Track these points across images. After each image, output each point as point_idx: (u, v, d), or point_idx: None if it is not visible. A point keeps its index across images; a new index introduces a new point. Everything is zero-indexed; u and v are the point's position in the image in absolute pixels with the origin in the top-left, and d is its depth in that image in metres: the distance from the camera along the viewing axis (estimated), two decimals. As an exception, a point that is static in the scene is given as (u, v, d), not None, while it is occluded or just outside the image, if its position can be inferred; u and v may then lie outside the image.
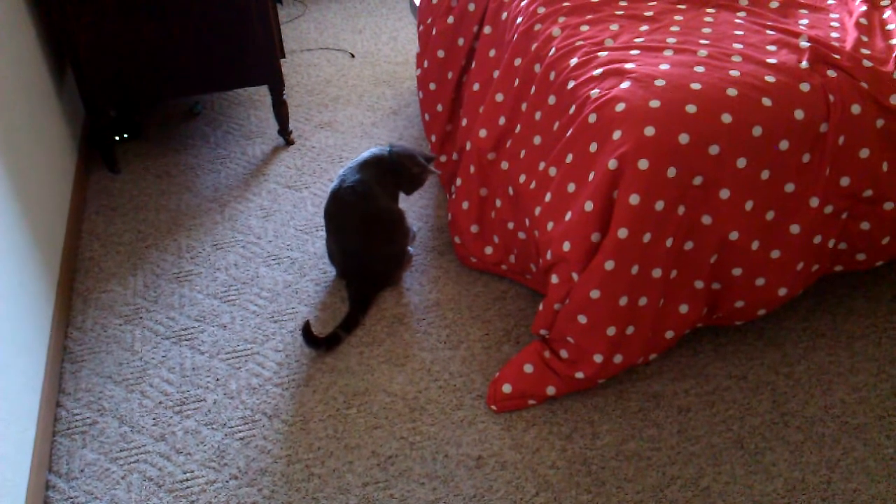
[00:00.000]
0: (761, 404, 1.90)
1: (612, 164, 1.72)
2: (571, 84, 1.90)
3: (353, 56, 3.39)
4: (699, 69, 1.83)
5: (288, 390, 1.97)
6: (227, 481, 1.77)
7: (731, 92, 1.77)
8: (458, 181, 2.28)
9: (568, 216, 1.82)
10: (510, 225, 2.13)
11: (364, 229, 2.11)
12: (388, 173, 2.22)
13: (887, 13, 2.05)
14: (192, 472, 1.79)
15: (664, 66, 1.84)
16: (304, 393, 1.96)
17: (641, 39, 1.97)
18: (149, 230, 2.47)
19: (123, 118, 2.87)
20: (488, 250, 2.23)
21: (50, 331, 2.01)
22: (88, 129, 2.82)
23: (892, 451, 1.80)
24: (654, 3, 2.13)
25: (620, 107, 1.76)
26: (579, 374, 1.87)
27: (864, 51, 1.90)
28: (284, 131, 2.83)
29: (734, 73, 1.81)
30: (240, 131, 2.92)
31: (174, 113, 3.02)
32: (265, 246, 2.40)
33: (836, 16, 2.06)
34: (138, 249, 2.40)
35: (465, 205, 2.26)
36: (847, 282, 2.21)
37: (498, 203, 2.18)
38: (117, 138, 2.83)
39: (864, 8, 2.06)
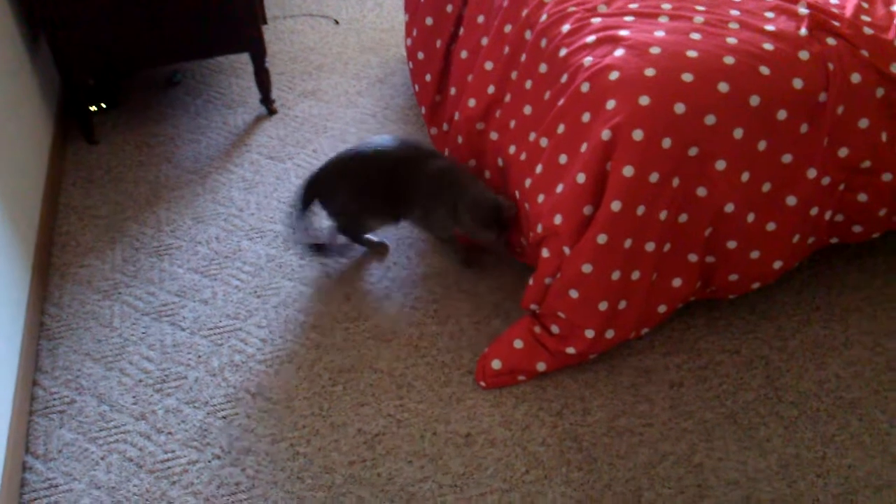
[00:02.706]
0: (755, 379, 1.88)
1: (605, 134, 1.67)
2: (563, 52, 1.84)
3: (337, 22, 3.30)
4: (695, 36, 1.77)
5: (272, 367, 1.92)
6: (209, 461, 1.73)
7: (729, 60, 1.71)
8: (447, 152, 2.23)
9: (559, 188, 1.77)
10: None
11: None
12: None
13: (888, -21, 2.00)
14: (174, 451, 1.75)
15: (659, 33, 1.78)
16: (289, 370, 1.91)
17: (636, 5, 1.90)
18: (127, 202, 2.40)
19: (101, 87, 2.79)
20: (477, 223, 2.18)
21: (26, 307, 1.95)
22: (65, 98, 2.73)
23: (886, 425, 1.78)
24: (649, -33, 2.06)
25: (614, 75, 1.70)
26: (570, 350, 1.83)
27: (865, 18, 1.85)
28: (267, 100, 2.76)
29: (731, 40, 1.76)
30: (221, 100, 2.84)
31: (153, 81, 2.94)
32: (247, 219, 2.34)
33: (836, -19, 2.00)
34: (117, 222, 2.33)
35: (453, 176, 2.21)
36: (842, 255, 2.18)
37: (487, 174, 2.12)
38: (94, 108, 2.74)
39: (863, -27, 2.00)
